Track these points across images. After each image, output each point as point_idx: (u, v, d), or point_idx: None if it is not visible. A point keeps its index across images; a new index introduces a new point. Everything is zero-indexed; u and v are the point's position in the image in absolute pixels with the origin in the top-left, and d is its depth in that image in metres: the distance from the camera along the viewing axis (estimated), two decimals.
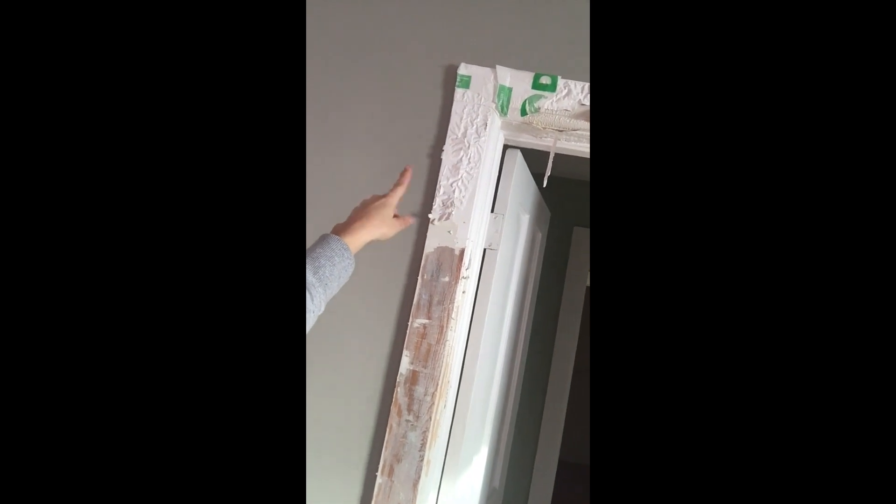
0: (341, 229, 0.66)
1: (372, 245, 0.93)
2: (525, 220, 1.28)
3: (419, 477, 0.86)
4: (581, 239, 2.22)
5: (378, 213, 0.68)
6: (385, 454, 0.87)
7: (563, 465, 4.88)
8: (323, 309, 0.59)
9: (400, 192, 0.71)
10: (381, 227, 0.68)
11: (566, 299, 2.20)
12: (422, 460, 0.87)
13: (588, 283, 2.58)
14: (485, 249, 1.03)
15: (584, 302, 2.23)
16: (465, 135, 0.95)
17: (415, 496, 0.86)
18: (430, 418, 0.88)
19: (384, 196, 0.70)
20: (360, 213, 0.68)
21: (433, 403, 0.88)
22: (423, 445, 0.87)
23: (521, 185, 1.16)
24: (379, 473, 0.87)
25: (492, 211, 1.04)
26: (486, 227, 1.01)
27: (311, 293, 0.56)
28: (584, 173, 2.13)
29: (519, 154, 1.10)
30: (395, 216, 0.70)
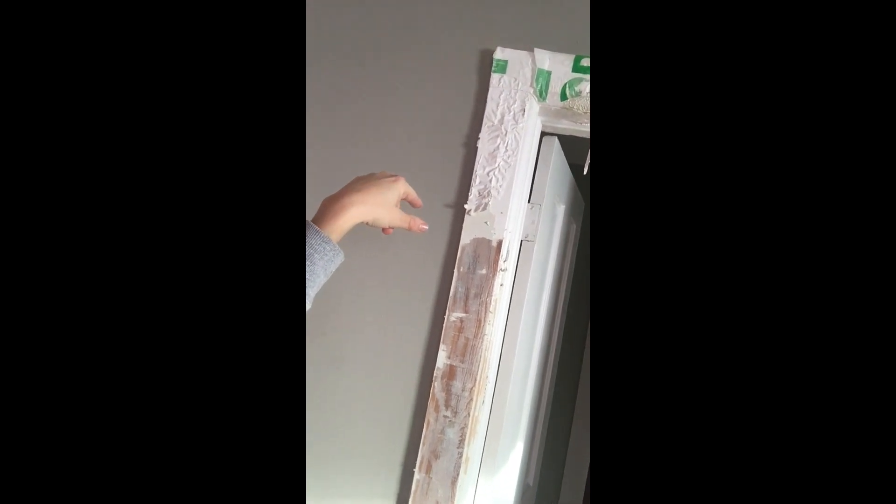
0: (328, 206, 0.56)
1: (405, 238, 0.91)
2: (561, 210, 1.24)
3: (458, 474, 0.84)
4: None
5: (379, 191, 0.57)
6: (423, 450, 0.85)
7: None
8: (310, 305, 0.52)
9: (411, 191, 0.63)
10: (375, 210, 0.57)
11: None
12: (460, 457, 0.85)
13: None
14: (521, 241, 0.99)
15: None
16: (501, 121, 0.91)
17: (453, 494, 0.84)
18: (469, 414, 0.85)
19: (395, 177, 0.61)
20: (357, 185, 0.58)
21: (471, 399, 0.86)
22: (462, 442, 0.85)
23: (558, 175, 1.12)
24: (417, 470, 0.85)
25: (528, 201, 1.00)
26: (524, 217, 0.98)
27: None
28: None
29: (556, 141, 1.06)
30: (400, 210, 0.61)
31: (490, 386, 0.93)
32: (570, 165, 1.25)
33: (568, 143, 1.20)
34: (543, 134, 1.01)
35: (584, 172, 1.02)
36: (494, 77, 0.92)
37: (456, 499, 0.84)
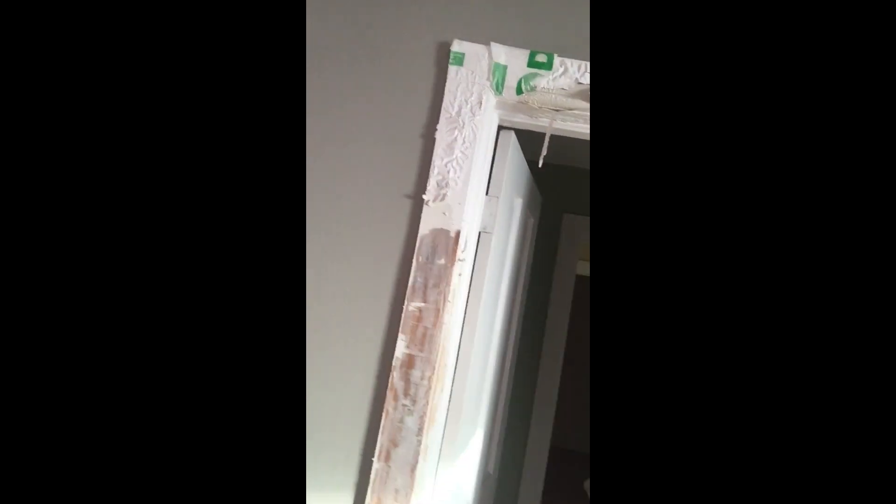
0: None
1: (364, 228, 0.91)
2: (518, 204, 1.27)
3: (417, 462, 0.85)
4: (571, 226, 2.22)
5: None
6: (382, 439, 0.86)
7: (554, 451, 4.94)
8: None
9: None
10: None
11: (556, 288, 2.20)
12: (419, 445, 0.85)
13: (577, 271, 2.59)
14: (479, 232, 1.01)
15: (573, 291, 2.24)
16: (459, 113, 0.93)
17: (412, 481, 0.85)
18: (428, 402, 0.86)
19: None
20: None
21: (430, 387, 0.87)
22: (421, 430, 0.86)
23: (515, 168, 1.14)
24: (376, 459, 0.85)
25: (486, 193, 1.02)
26: (482, 209, 1.00)
27: None
28: (575, 159, 2.12)
29: (513, 135, 1.08)
30: None
31: (449, 374, 0.94)
32: (528, 162, 1.28)
33: (524, 138, 1.23)
34: (500, 128, 1.03)
35: (540, 164, 1.05)
36: (452, 69, 0.93)
37: (415, 486, 0.85)
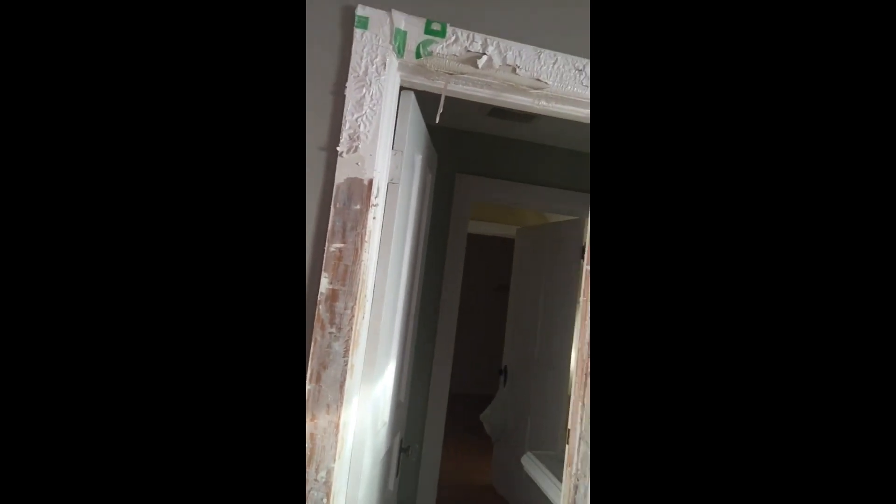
0: None
1: None
2: (418, 160, 1.41)
3: (345, 379, 0.99)
4: (462, 184, 2.43)
5: None
6: (312, 364, 0.98)
7: (451, 396, 5.37)
8: None
9: None
10: None
11: (451, 242, 2.42)
12: (346, 365, 0.99)
13: (469, 230, 2.84)
14: (388, 183, 1.14)
15: (465, 246, 2.47)
16: (366, 73, 1.03)
17: (342, 396, 0.99)
18: (352, 328, 1.00)
19: None
20: None
21: (353, 316, 1.00)
22: (347, 352, 0.99)
23: (415, 126, 1.28)
24: (308, 381, 0.97)
25: (392, 148, 1.14)
26: (389, 162, 1.12)
27: None
28: (466, 124, 2.31)
29: (412, 95, 1.21)
30: None
31: (368, 304, 1.08)
32: (428, 126, 1.42)
33: (422, 100, 1.37)
34: (402, 89, 1.15)
35: (436, 120, 1.20)
36: (357, 32, 1.03)
37: (344, 401, 0.99)
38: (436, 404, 2.36)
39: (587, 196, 2.53)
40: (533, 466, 1.79)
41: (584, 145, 2.45)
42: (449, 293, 2.42)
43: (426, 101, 1.50)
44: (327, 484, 0.97)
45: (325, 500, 0.97)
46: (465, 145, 2.43)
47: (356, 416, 1.08)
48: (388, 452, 1.47)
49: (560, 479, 1.58)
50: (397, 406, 1.56)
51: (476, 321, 5.53)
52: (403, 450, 1.62)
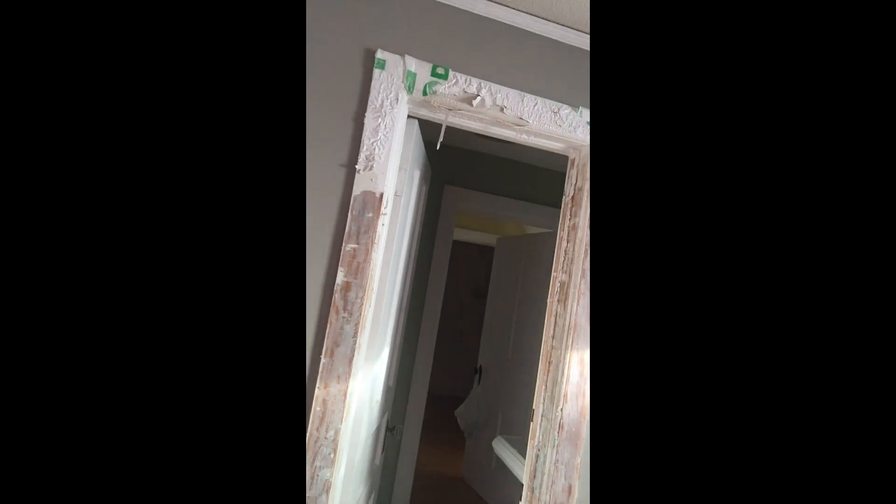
0: None
1: (312, 189, 1.19)
2: (416, 175, 1.64)
3: (353, 356, 1.20)
4: (450, 195, 2.67)
5: None
6: (327, 342, 1.19)
7: (429, 397, 5.56)
8: None
9: None
10: None
11: (438, 246, 2.64)
12: (355, 344, 1.21)
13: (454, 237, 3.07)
14: (394, 195, 1.36)
15: (450, 252, 2.70)
16: (381, 106, 1.25)
17: (350, 370, 1.20)
18: (360, 314, 1.21)
19: None
20: None
21: (362, 304, 1.22)
22: (356, 334, 1.21)
23: (417, 148, 1.51)
24: (323, 355, 1.18)
25: (399, 167, 1.37)
26: (396, 178, 1.34)
27: None
28: (457, 141, 2.55)
29: (417, 124, 1.44)
30: None
31: (374, 295, 1.30)
32: (425, 142, 1.65)
33: (425, 124, 1.60)
34: (409, 117, 1.38)
35: (437, 147, 1.43)
36: (376, 72, 1.25)
37: (351, 373, 1.21)
38: (416, 397, 2.56)
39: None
40: (502, 448, 2.02)
41: (561, 167, 2.72)
42: (432, 295, 2.64)
43: (430, 124, 1.73)
44: (335, 441, 1.18)
45: (332, 455, 1.18)
46: (455, 160, 2.67)
47: (359, 388, 1.29)
48: (378, 429, 1.68)
49: (525, 457, 1.81)
50: (387, 389, 1.77)
51: (452, 325, 5.75)
52: (390, 429, 1.83)
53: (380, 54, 1.25)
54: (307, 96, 1.22)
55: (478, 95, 1.31)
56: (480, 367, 3.23)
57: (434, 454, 3.78)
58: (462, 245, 5.77)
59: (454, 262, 5.77)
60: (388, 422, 1.86)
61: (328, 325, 1.19)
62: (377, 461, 1.78)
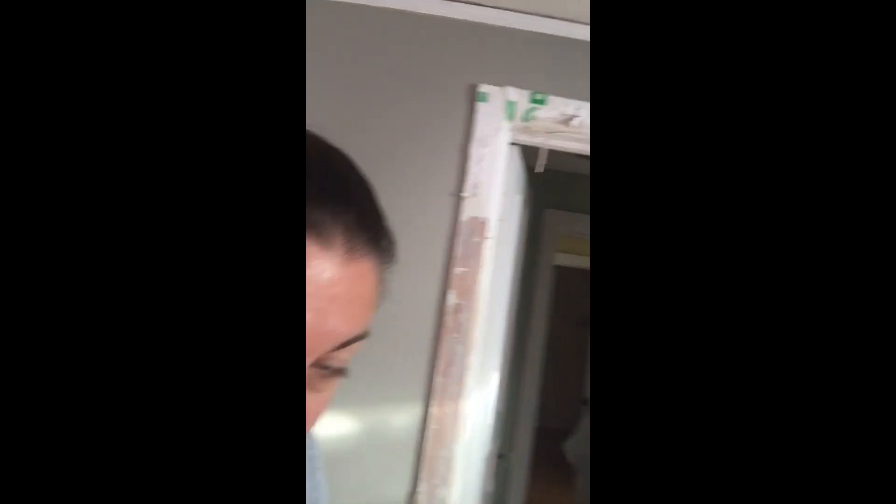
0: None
1: (420, 218, 1.29)
2: (518, 199, 1.67)
3: (464, 376, 1.24)
4: (550, 218, 2.65)
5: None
6: (440, 361, 1.24)
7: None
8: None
9: None
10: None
11: (539, 274, 2.62)
12: (465, 365, 1.25)
13: (555, 262, 3.03)
14: (498, 220, 1.41)
15: (551, 277, 2.66)
16: (485, 136, 1.32)
17: (461, 389, 1.24)
18: (471, 335, 1.26)
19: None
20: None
21: (471, 326, 1.26)
22: (466, 354, 1.25)
23: (519, 174, 1.55)
24: (437, 375, 1.24)
25: (501, 193, 1.42)
26: (499, 203, 1.39)
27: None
28: (557, 164, 2.55)
29: (518, 150, 1.49)
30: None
31: (482, 317, 1.34)
32: (526, 167, 1.69)
33: (525, 149, 1.65)
34: (510, 144, 1.43)
35: (536, 170, 1.46)
36: (479, 105, 1.33)
37: (463, 394, 1.24)
38: (523, 427, 2.51)
39: None
40: None
41: None
42: (537, 320, 2.60)
43: (530, 149, 1.77)
44: (450, 461, 1.22)
45: (448, 474, 1.21)
46: (556, 183, 2.66)
47: (471, 410, 1.32)
48: (489, 455, 1.68)
49: None
50: (497, 415, 1.78)
51: (557, 355, 5.56)
52: (500, 455, 1.82)
53: (482, 88, 1.33)
54: (416, 131, 1.33)
55: (575, 116, 1.32)
56: (589, 398, 3.07)
57: (541, 487, 3.63)
58: (564, 270, 5.63)
59: (560, 287, 5.63)
60: (499, 448, 1.85)
61: (441, 344, 1.25)
62: (489, 487, 1.77)
